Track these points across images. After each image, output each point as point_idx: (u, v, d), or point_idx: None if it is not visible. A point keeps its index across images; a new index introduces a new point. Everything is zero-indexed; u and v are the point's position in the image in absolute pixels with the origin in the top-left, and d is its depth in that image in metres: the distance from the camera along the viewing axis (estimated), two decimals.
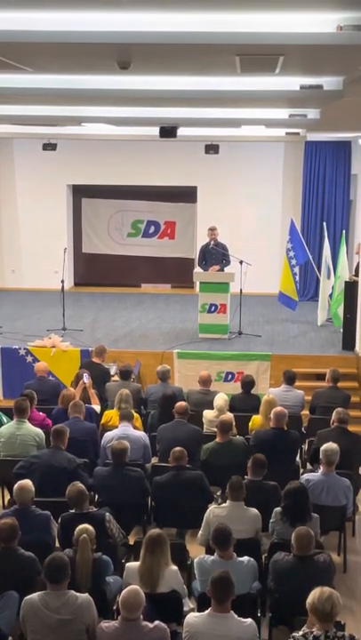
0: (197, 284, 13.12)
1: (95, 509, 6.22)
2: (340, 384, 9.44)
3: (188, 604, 5.61)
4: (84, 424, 7.90)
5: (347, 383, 10.65)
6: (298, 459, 8.19)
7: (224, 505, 6.26)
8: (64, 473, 6.83)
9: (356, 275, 12.44)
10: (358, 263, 12.82)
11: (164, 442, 7.72)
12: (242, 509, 6.20)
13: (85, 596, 4.92)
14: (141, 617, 4.62)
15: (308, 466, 8.17)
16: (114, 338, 12.52)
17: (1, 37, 5.44)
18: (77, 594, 4.90)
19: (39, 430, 7.77)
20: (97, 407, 8.73)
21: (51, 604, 4.80)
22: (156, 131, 12.17)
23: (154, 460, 7.93)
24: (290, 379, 9.24)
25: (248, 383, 9.22)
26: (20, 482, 6.14)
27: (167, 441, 7.63)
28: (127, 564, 5.51)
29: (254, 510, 6.24)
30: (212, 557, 5.48)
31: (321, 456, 6.89)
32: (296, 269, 13.56)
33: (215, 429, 7.77)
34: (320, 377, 10.45)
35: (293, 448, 7.98)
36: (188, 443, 7.38)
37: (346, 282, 12.32)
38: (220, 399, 8.45)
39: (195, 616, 4.79)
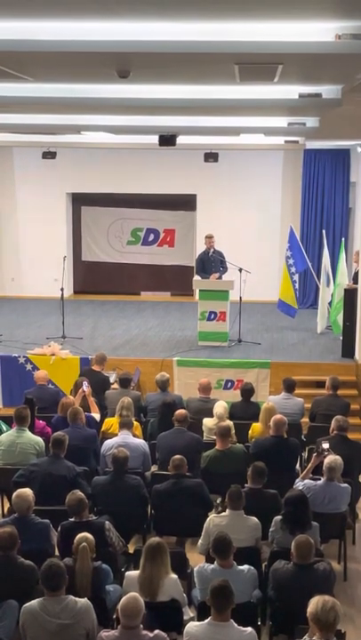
0: (197, 291, 13.13)
1: (95, 518, 6.21)
2: (339, 391, 9.43)
3: (188, 612, 5.59)
4: (84, 431, 7.90)
5: (346, 391, 10.65)
6: (298, 466, 8.17)
7: (224, 514, 6.24)
8: (63, 481, 6.82)
9: (355, 282, 12.45)
10: (357, 271, 12.83)
11: (164, 450, 7.71)
12: (241, 518, 6.18)
13: (85, 600, 4.92)
14: (141, 626, 4.61)
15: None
16: (113, 346, 12.51)
17: (1, 47, 5.46)
18: (77, 599, 4.90)
19: (39, 438, 7.76)
20: (96, 415, 8.73)
21: (50, 609, 4.80)
22: (155, 139, 12.21)
23: (153, 469, 7.91)
24: (289, 386, 9.23)
25: (248, 391, 9.21)
26: (18, 490, 6.12)
27: (166, 449, 7.61)
28: (127, 573, 5.50)
29: (254, 519, 6.22)
30: (212, 566, 5.46)
31: (324, 468, 6.87)
32: (295, 277, 13.56)
33: (215, 437, 7.76)
34: (320, 384, 10.45)
35: (293, 456, 7.97)
36: (188, 451, 7.36)
37: (345, 289, 12.32)
38: (220, 407, 8.44)
39: (195, 625, 4.77)
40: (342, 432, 7.73)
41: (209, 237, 12.94)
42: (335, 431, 7.76)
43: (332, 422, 7.85)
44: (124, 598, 4.65)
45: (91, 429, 8.12)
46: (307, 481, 6.95)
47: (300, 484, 6.87)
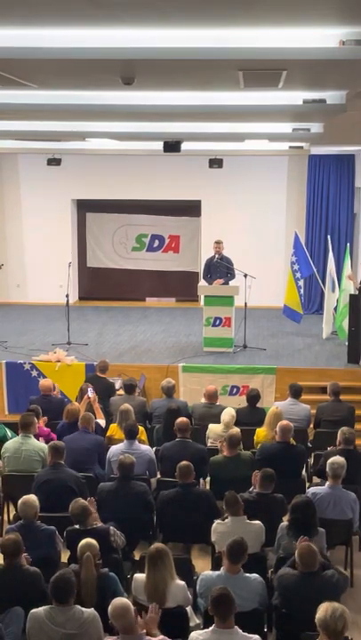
0: (202, 297, 13.12)
1: (100, 525, 6.19)
2: (345, 397, 9.38)
3: (195, 619, 5.57)
4: (91, 435, 7.92)
5: (352, 396, 10.62)
6: (304, 472, 8.14)
7: (226, 520, 6.21)
8: (66, 489, 6.81)
9: None
10: None
11: (168, 463, 7.56)
12: (244, 523, 6.14)
13: (91, 610, 4.90)
14: (144, 631, 4.59)
15: (314, 479, 8.13)
16: (119, 352, 12.52)
17: (5, 54, 5.48)
18: (83, 609, 4.88)
19: (44, 445, 7.76)
20: (102, 421, 8.72)
21: (56, 618, 4.80)
22: (160, 145, 12.22)
23: (159, 475, 7.88)
24: (296, 392, 9.20)
25: (253, 397, 9.19)
26: (24, 497, 6.11)
27: (171, 462, 7.38)
28: (135, 575, 5.47)
29: (258, 523, 6.19)
30: (217, 572, 5.44)
31: (328, 469, 6.85)
32: (301, 282, 13.55)
33: (220, 444, 7.73)
34: (325, 390, 10.42)
35: (299, 462, 7.94)
36: (194, 463, 7.10)
37: (350, 295, 12.29)
38: (227, 414, 8.39)
39: (199, 633, 4.74)
40: (348, 445, 7.60)
41: (217, 243, 12.94)
42: (341, 444, 7.64)
43: (339, 435, 7.74)
44: (110, 604, 4.62)
45: (98, 435, 8.12)
46: (312, 488, 6.94)
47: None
